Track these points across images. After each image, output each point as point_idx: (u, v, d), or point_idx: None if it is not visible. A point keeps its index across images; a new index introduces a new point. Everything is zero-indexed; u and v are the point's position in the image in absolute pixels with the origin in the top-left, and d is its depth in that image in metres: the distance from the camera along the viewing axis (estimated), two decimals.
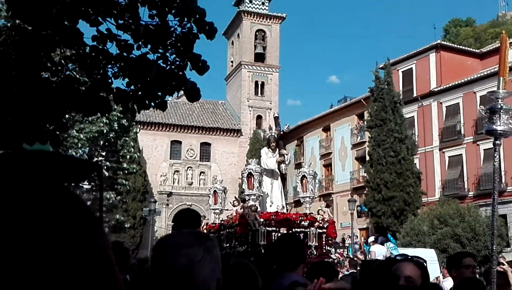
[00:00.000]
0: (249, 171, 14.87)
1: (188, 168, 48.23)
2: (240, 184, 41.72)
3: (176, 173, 47.88)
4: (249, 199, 14.61)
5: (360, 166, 39.10)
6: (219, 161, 49.22)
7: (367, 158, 33.22)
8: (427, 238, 25.07)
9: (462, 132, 32.84)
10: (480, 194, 30.84)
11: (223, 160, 49.33)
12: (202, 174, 48.56)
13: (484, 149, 31.58)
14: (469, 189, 31.91)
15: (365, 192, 32.39)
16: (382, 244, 18.53)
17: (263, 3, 53.27)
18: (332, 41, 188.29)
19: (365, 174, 33.62)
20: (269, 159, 15.15)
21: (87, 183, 23.07)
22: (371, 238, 16.84)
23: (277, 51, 53.03)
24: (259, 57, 52.33)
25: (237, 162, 48.67)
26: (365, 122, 35.22)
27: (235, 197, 18.52)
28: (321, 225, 14.30)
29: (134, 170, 26.00)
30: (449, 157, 33.67)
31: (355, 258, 15.39)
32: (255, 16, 52.28)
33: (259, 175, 14.79)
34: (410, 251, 20.38)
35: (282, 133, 15.76)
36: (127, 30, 4.51)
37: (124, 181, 24.17)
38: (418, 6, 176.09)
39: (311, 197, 14.96)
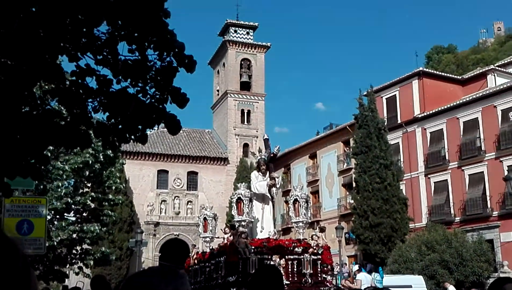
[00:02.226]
0: (239, 196, 14.38)
1: (175, 197, 47.99)
2: (227, 212, 41.56)
3: (163, 202, 47.60)
4: (239, 226, 14.12)
5: (347, 193, 39.17)
6: (206, 189, 49.05)
7: (354, 184, 33.31)
8: (415, 264, 25.05)
9: (447, 158, 33.12)
10: (467, 219, 30.97)
11: (210, 189, 49.17)
12: (189, 203, 48.32)
13: (469, 175, 31.85)
14: (456, 215, 32.04)
15: (353, 219, 32.38)
16: (370, 271, 18.46)
17: (248, 33, 53.90)
18: (317, 69, 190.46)
19: (352, 201, 33.66)
20: (259, 183, 14.60)
21: None
22: (356, 267, 16.64)
23: (263, 80, 53.49)
24: (245, 86, 52.71)
25: (224, 190, 48.55)
26: (351, 149, 35.42)
27: (226, 224, 18.13)
28: (315, 251, 13.74)
29: (120, 201, 25.74)
30: (434, 182, 33.87)
31: (342, 287, 15.26)
32: (240, 46, 52.83)
33: (249, 200, 14.32)
34: (399, 278, 20.38)
35: (272, 155, 15.22)
36: (106, 65, 4.55)
37: (110, 212, 23.90)
38: (401, 34, 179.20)
39: (304, 221, 14.37)
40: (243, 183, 15.75)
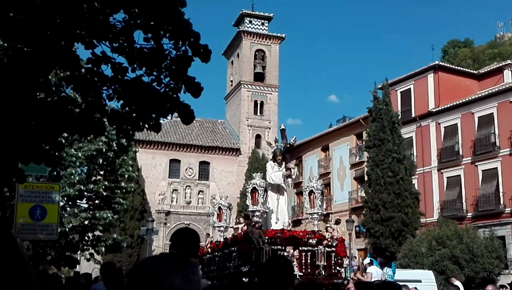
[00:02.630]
0: (254, 185, 14.18)
1: (186, 187, 48.17)
2: (238, 203, 41.64)
3: (174, 192, 47.82)
4: (253, 216, 13.97)
5: (359, 186, 39.07)
6: (218, 180, 49.17)
7: (366, 178, 33.20)
8: (425, 259, 24.94)
9: (461, 153, 32.88)
10: (479, 215, 30.78)
11: (222, 179, 49.28)
12: (200, 193, 48.49)
13: (482, 170, 31.60)
14: (468, 210, 31.85)
15: (364, 212, 32.30)
16: (381, 264, 18.40)
17: (262, 24, 53.72)
18: (331, 61, 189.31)
19: (364, 194, 33.56)
20: (275, 173, 14.47)
21: None
22: (367, 260, 16.50)
23: (276, 71, 53.34)
24: (259, 77, 52.62)
25: (235, 181, 48.63)
26: (364, 142, 35.27)
27: (240, 214, 18.06)
28: (330, 243, 13.61)
29: (132, 189, 25.89)
30: (447, 177, 33.66)
31: (351, 280, 15.21)
32: (255, 36, 52.68)
33: (264, 190, 14.15)
34: (409, 273, 20.31)
35: (288, 146, 15.08)
36: (122, 53, 4.56)
37: (121, 200, 24.03)
38: (417, 27, 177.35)
39: (319, 213, 14.17)
40: (259, 173, 15.52)
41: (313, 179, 14.82)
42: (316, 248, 13.43)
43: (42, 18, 4.49)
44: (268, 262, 3.93)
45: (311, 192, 14.30)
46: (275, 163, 14.80)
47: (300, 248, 13.34)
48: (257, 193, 14.06)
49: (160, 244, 44.74)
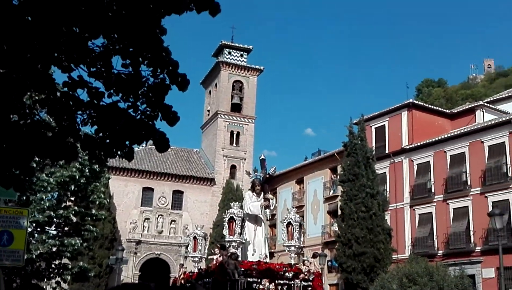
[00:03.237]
0: (231, 215, 14.06)
1: (159, 216, 47.56)
2: (211, 234, 41.20)
3: (146, 220, 47.15)
4: (229, 246, 13.79)
5: (332, 220, 39.10)
6: (191, 209, 48.72)
7: (339, 212, 33.28)
8: None
9: (433, 190, 33.25)
10: (449, 253, 30.98)
11: (195, 209, 48.85)
12: (173, 222, 47.90)
13: (453, 208, 31.97)
14: (439, 248, 32.05)
15: (336, 246, 32.26)
16: None
17: (241, 55, 54.25)
18: (308, 94, 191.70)
19: (337, 229, 33.56)
20: (253, 203, 14.33)
21: None
22: None
23: (254, 102, 53.68)
24: (236, 107, 52.85)
25: (209, 211, 48.25)
26: (338, 176, 35.46)
27: (216, 244, 17.74)
28: (306, 277, 13.45)
29: (103, 217, 25.43)
30: (419, 214, 33.94)
31: None
32: (233, 67, 53.11)
33: (242, 220, 13.97)
34: None
35: (268, 176, 15.00)
36: (99, 77, 4.52)
37: (91, 227, 23.57)
38: (393, 65, 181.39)
39: (297, 246, 14.08)
40: (236, 203, 15.40)
41: (291, 211, 14.79)
42: (292, 282, 13.30)
43: (19, 39, 4.44)
44: None
45: (289, 223, 14.25)
46: (254, 193, 14.75)
47: (276, 281, 13.15)
48: (234, 223, 13.97)
49: (129, 274, 43.85)
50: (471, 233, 30.40)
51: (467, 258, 29.97)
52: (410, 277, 25.59)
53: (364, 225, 29.95)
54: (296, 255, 14.30)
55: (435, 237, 32.51)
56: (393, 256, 30.81)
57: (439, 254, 31.72)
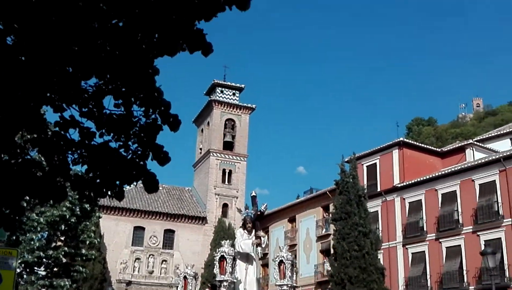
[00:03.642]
0: (222, 253, 13.70)
1: (150, 255, 46.95)
2: (203, 274, 40.62)
3: (137, 260, 46.50)
4: (220, 286, 13.42)
5: (325, 259, 38.72)
6: (183, 249, 48.17)
7: (332, 251, 32.99)
8: None
9: (425, 229, 33.14)
10: None
11: (187, 248, 48.30)
12: (164, 262, 47.27)
13: (446, 247, 31.81)
14: (432, 287, 31.74)
15: (329, 286, 31.84)
16: None
17: (233, 94, 54.71)
18: (300, 133, 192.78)
19: (330, 268, 33.21)
20: (244, 241, 13.97)
21: None
22: None
23: (246, 140, 53.84)
24: (228, 146, 52.95)
25: (201, 250, 47.72)
26: (330, 215, 35.30)
27: (207, 284, 17.37)
28: None
29: (93, 257, 25.10)
30: (412, 253, 33.73)
31: None
32: (226, 106, 53.46)
33: (233, 259, 13.62)
34: None
35: (259, 213, 14.68)
36: (91, 117, 4.54)
37: (81, 268, 23.22)
38: (383, 104, 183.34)
39: (289, 285, 13.62)
40: (228, 240, 15.09)
41: (283, 249, 14.44)
42: None
43: (12, 79, 4.48)
44: None
45: (281, 262, 13.86)
46: (245, 231, 14.37)
47: None
48: (225, 262, 13.57)
49: None
50: (464, 272, 30.19)
51: None
52: None
53: (357, 264, 29.65)
54: None
55: (428, 276, 32.23)
56: None
57: None
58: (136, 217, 47.47)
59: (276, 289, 14.47)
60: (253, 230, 14.41)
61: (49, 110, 4.67)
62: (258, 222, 14.90)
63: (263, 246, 14.35)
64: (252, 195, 15.67)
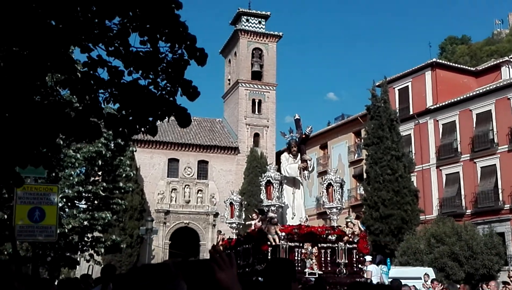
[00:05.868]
0: (268, 178, 13.20)
1: (185, 186, 48.10)
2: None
3: (173, 191, 47.74)
4: (268, 211, 13.05)
5: (358, 184, 39.05)
6: (217, 179, 49.13)
7: (365, 176, 33.20)
8: (424, 256, 24.95)
9: (459, 150, 32.89)
10: (478, 212, 30.80)
11: (221, 178, 49.24)
12: (199, 192, 48.42)
13: (481, 167, 31.62)
14: (467, 207, 31.87)
15: (363, 210, 32.31)
16: (379, 263, 18.38)
17: (259, 22, 53.64)
18: (329, 59, 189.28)
19: (363, 192, 33.56)
20: (290, 165, 13.59)
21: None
22: (368, 257, 16.02)
23: (274, 69, 53.27)
24: (256, 75, 52.54)
25: (234, 180, 48.57)
26: (362, 140, 35.26)
27: (253, 210, 17.18)
28: (350, 239, 12.66)
29: (131, 189, 25.86)
30: (446, 175, 33.68)
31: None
32: (252, 35, 52.60)
33: (279, 184, 13.18)
34: (408, 270, 20.32)
35: (304, 136, 14.19)
36: (117, 56, 4.54)
37: (120, 201, 24.00)
38: (414, 24, 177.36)
39: (339, 207, 13.18)
40: (273, 165, 14.54)
41: (331, 172, 13.90)
42: (336, 245, 12.55)
43: (38, 21, 4.47)
44: (269, 263, 3.95)
45: (329, 185, 13.38)
46: (290, 155, 13.92)
47: (319, 245, 12.47)
48: (271, 187, 13.09)
49: (159, 243, 44.73)
50: (500, 191, 30.12)
51: (496, 216, 29.76)
52: (437, 237, 25.61)
53: (390, 187, 29.86)
54: (338, 217, 13.31)
55: (462, 196, 32.30)
56: (420, 217, 30.75)
57: (467, 214, 31.56)
58: (169, 150, 48.32)
59: (326, 211, 13.97)
60: (299, 154, 13.95)
61: (77, 51, 4.69)
62: (303, 145, 14.34)
63: (309, 169, 13.87)
64: (295, 118, 15.02)
